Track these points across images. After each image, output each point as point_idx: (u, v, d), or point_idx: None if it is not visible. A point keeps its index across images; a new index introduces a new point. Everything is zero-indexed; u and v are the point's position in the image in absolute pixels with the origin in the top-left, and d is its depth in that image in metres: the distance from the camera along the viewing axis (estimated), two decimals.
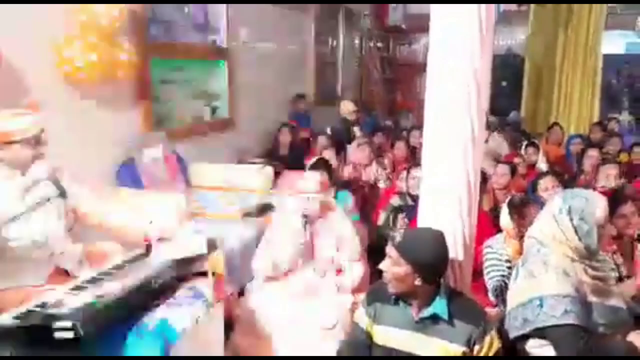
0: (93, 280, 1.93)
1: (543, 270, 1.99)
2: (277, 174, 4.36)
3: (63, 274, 2.29)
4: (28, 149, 2.12)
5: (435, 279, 1.99)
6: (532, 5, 8.16)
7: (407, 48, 9.50)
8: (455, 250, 2.18)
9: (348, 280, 2.77)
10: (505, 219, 2.70)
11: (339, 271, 2.82)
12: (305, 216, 2.74)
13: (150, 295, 1.92)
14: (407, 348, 2.01)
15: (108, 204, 2.51)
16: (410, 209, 3.54)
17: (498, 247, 2.70)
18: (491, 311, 2.50)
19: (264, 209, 3.70)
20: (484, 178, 4.15)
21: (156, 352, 1.73)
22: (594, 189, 3.58)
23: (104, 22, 3.09)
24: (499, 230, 2.84)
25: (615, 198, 2.94)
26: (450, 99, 2.08)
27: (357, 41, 8.50)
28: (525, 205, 2.70)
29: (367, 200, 4.31)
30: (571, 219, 2.00)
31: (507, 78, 8.80)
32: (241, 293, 2.91)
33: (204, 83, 4.93)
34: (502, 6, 8.00)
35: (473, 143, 2.10)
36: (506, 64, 8.71)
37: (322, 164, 3.70)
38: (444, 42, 2.07)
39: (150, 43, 3.92)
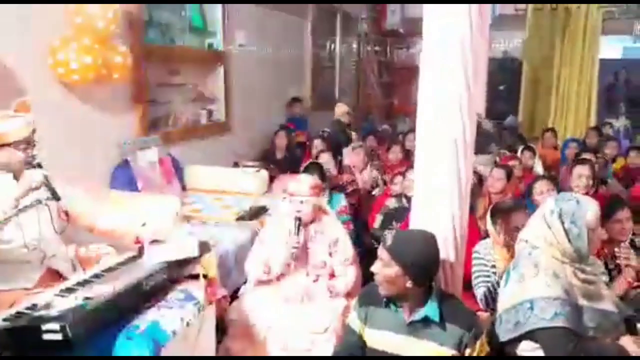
0: (84, 283, 1.92)
1: (533, 273, 1.99)
2: (272, 178, 4.37)
3: (55, 276, 2.28)
4: (20, 151, 2.11)
5: (427, 281, 1.99)
6: (530, 9, 8.18)
7: (405, 52, 9.50)
8: (447, 252, 2.19)
9: (341, 284, 2.76)
10: (489, 224, 2.70)
11: (332, 275, 2.81)
12: (298, 219, 2.73)
13: (141, 297, 1.91)
14: (399, 351, 2.01)
15: (101, 206, 2.51)
16: (406, 211, 3.54)
17: (485, 253, 2.70)
18: (482, 315, 2.50)
19: (259, 212, 3.70)
20: (480, 181, 4.17)
21: (146, 354, 1.72)
22: (570, 189, 3.59)
23: (99, 25, 3.10)
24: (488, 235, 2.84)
25: (612, 203, 2.95)
26: (440, 100, 2.09)
27: (354, 45, 8.53)
28: (510, 211, 2.68)
29: (362, 204, 4.31)
30: (562, 222, 2.01)
31: (505, 82, 8.81)
32: (235, 296, 2.90)
33: (201, 86, 4.94)
34: (498, 9, 8.01)
35: (464, 145, 2.10)
36: (504, 68, 8.72)
37: (315, 168, 3.70)
38: (436, 43, 2.08)
39: (146, 46, 3.93)
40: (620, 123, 8.16)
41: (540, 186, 3.60)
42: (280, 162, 5.12)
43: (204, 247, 2.22)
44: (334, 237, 2.83)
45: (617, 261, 2.69)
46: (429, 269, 1.99)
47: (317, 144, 5.08)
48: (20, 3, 2.85)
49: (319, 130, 6.01)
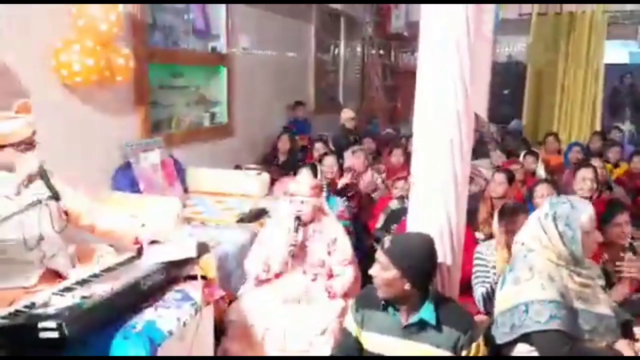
0: (83, 282, 1.94)
1: (529, 275, 1.99)
2: (273, 181, 4.39)
3: (55, 275, 2.29)
4: (20, 152, 2.13)
5: (425, 284, 2.00)
6: (534, 14, 8.18)
7: (409, 56, 9.49)
8: (444, 255, 2.19)
9: (338, 284, 2.77)
10: (495, 225, 2.71)
11: (331, 276, 2.83)
12: (298, 218, 2.75)
13: (138, 297, 1.92)
14: (395, 354, 2.01)
15: (101, 206, 2.53)
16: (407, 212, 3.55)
17: (487, 254, 2.71)
18: (481, 318, 2.50)
19: (259, 215, 3.71)
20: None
21: (142, 354, 1.74)
22: (573, 192, 3.59)
23: (102, 27, 3.13)
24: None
25: (611, 207, 2.95)
26: (436, 100, 2.10)
27: (358, 49, 8.54)
28: (515, 213, 2.70)
29: (362, 207, 4.31)
30: (556, 225, 2.01)
31: (509, 86, 8.80)
32: (236, 297, 2.91)
33: (204, 89, 4.96)
34: (502, 14, 8.01)
35: (460, 145, 2.11)
36: (508, 72, 8.72)
37: (309, 169, 3.72)
38: (433, 43, 2.10)
39: (150, 48, 3.96)
40: (626, 128, 8.15)
41: (541, 190, 3.59)
42: (282, 166, 5.13)
43: (202, 248, 2.23)
44: (332, 236, 2.86)
45: (617, 269, 2.65)
46: (426, 272, 2.00)
47: (319, 147, 5.09)
48: (23, 3, 2.87)
49: (321, 134, 6.03)
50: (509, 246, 2.59)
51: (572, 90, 8.10)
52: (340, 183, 4.28)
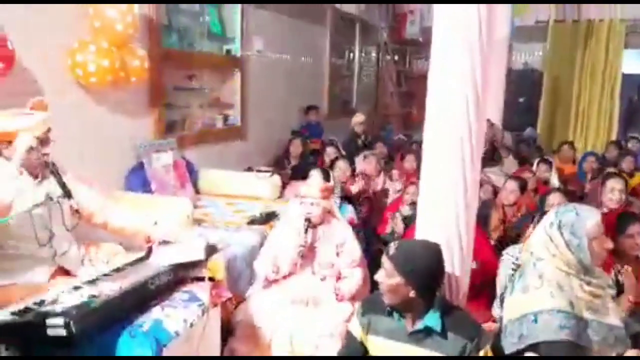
0: (92, 281, 1.95)
1: (538, 283, 1.97)
2: (284, 184, 4.39)
3: (66, 273, 2.32)
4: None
5: (430, 292, 1.98)
6: (551, 21, 8.12)
7: (424, 62, 9.45)
8: (452, 263, 2.17)
9: (346, 286, 2.78)
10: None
11: (339, 278, 2.83)
12: (307, 220, 2.77)
13: (146, 297, 1.94)
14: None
15: (113, 205, 2.55)
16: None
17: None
18: (491, 326, 2.47)
19: (269, 217, 3.71)
20: (495, 194, 4.13)
21: (148, 353, 1.75)
22: (601, 202, 3.54)
23: (117, 28, 3.16)
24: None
25: (623, 217, 2.91)
26: (447, 102, 2.08)
27: (373, 54, 8.54)
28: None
29: (373, 212, 4.30)
30: (562, 233, 1.99)
31: (525, 93, 8.72)
32: (243, 299, 2.92)
33: (217, 91, 4.99)
34: (518, 21, 7.96)
35: (470, 148, 2.09)
36: (524, 79, 8.64)
37: (323, 174, 3.73)
38: (444, 43, 2.08)
39: (165, 50, 4.00)
40: None
41: (553, 199, 3.55)
42: (293, 169, 5.13)
43: (211, 250, 2.24)
44: (341, 238, 2.88)
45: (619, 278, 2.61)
46: (432, 279, 1.99)
47: (330, 151, 5.09)
48: (42, 3, 2.91)
49: (331, 138, 6.03)
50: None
51: (588, 99, 8.01)
52: (354, 189, 4.28)
